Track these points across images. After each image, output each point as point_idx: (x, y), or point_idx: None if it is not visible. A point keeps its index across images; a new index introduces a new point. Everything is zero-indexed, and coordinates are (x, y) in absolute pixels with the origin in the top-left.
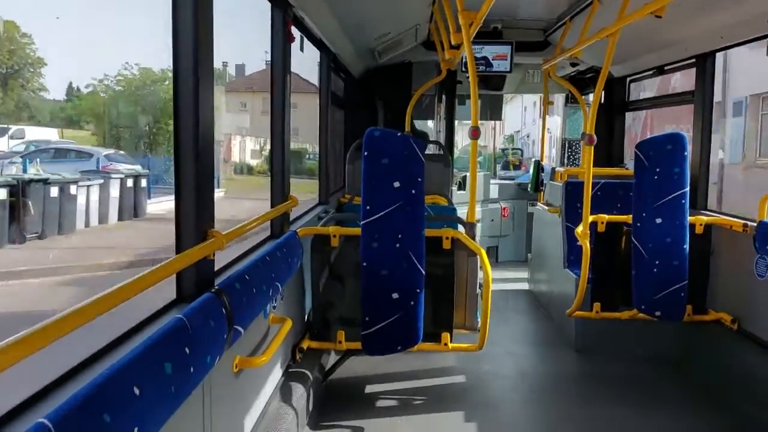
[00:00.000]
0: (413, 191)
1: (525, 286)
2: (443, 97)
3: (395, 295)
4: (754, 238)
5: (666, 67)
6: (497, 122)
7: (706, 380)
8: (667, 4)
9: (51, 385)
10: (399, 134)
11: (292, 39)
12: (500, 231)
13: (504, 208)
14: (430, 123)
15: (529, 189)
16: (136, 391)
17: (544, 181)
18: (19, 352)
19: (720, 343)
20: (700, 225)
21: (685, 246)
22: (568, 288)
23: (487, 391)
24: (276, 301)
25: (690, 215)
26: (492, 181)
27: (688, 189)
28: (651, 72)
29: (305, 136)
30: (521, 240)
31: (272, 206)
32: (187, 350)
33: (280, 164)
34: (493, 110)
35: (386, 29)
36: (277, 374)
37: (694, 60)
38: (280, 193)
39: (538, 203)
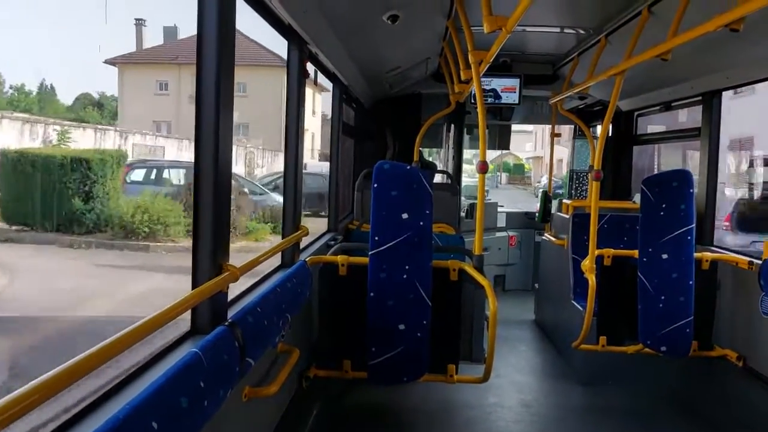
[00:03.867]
0: (421, 223)
1: (531, 315)
2: (452, 127)
3: (402, 326)
4: (759, 276)
5: (673, 104)
6: None
7: (710, 416)
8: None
9: (70, 421)
10: (408, 167)
11: (307, 75)
12: (507, 259)
13: (511, 237)
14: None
15: (536, 219)
16: (155, 425)
17: (552, 212)
18: (45, 392)
19: (725, 380)
20: (706, 261)
21: (690, 282)
22: (574, 320)
23: (491, 423)
24: (284, 331)
25: (696, 251)
26: (499, 209)
27: (694, 225)
28: (659, 107)
29: (259, 133)
30: (528, 269)
31: (284, 236)
32: (202, 384)
33: (292, 196)
34: (501, 140)
35: (397, 63)
36: (284, 402)
37: (701, 97)
38: (291, 223)
39: (545, 234)
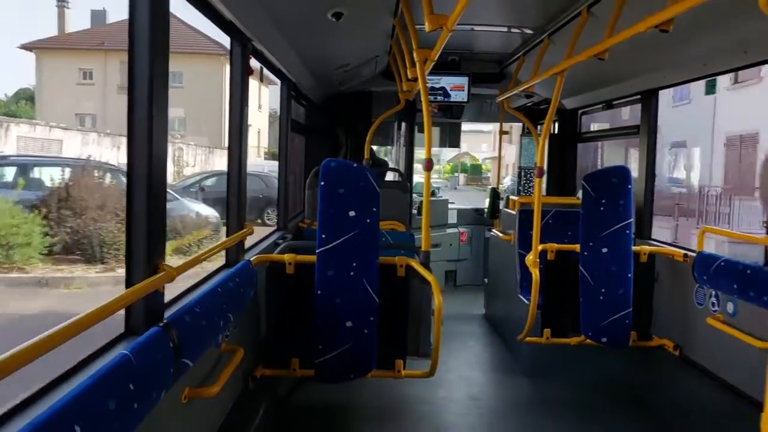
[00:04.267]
0: (368, 220)
1: (481, 310)
2: (402, 125)
3: (349, 323)
4: (693, 268)
5: (614, 102)
6: None
7: (650, 404)
8: (610, 47)
9: None
10: (355, 165)
11: (251, 72)
12: (458, 255)
13: (462, 233)
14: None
15: (485, 215)
16: (77, 429)
17: (500, 209)
18: None
19: (663, 369)
20: (645, 254)
21: (629, 275)
22: (520, 314)
23: (439, 417)
24: (228, 330)
25: (635, 245)
26: (450, 206)
27: (632, 220)
28: (601, 106)
29: (196, 128)
30: (479, 264)
31: (228, 235)
32: (132, 386)
33: (236, 193)
34: (452, 138)
35: (345, 60)
36: (229, 403)
37: (639, 96)
38: (235, 221)
39: (494, 230)
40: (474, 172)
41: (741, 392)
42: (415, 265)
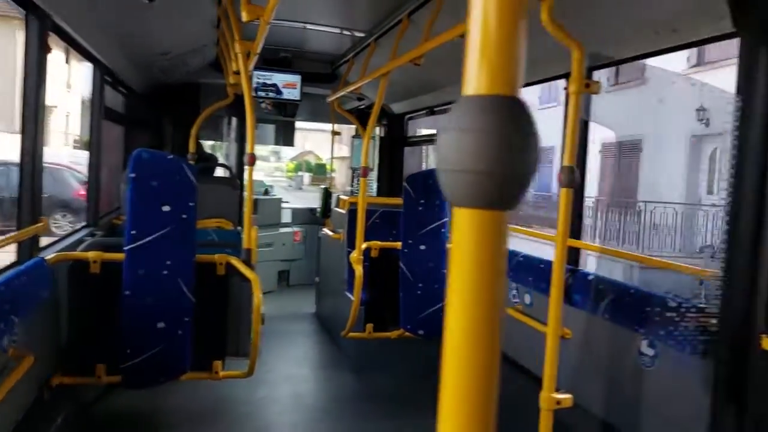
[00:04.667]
0: (184, 216)
1: (313, 308)
2: (233, 120)
3: (161, 325)
4: None
5: (435, 109)
6: None
7: None
8: (426, 54)
9: None
10: (170, 156)
11: (49, 50)
12: (292, 255)
13: (296, 233)
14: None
15: (317, 215)
16: None
17: (332, 208)
18: None
19: None
20: None
21: (443, 270)
22: (347, 310)
23: (261, 417)
24: (15, 335)
25: (449, 242)
26: (283, 205)
27: (447, 219)
28: (424, 111)
29: None
30: (313, 264)
31: (18, 228)
32: None
33: (30, 181)
34: (286, 136)
35: (167, 47)
36: (17, 414)
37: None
38: (28, 214)
39: (325, 229)
40: (319, 172)
41: (532, 374)
42: (236, 263)
